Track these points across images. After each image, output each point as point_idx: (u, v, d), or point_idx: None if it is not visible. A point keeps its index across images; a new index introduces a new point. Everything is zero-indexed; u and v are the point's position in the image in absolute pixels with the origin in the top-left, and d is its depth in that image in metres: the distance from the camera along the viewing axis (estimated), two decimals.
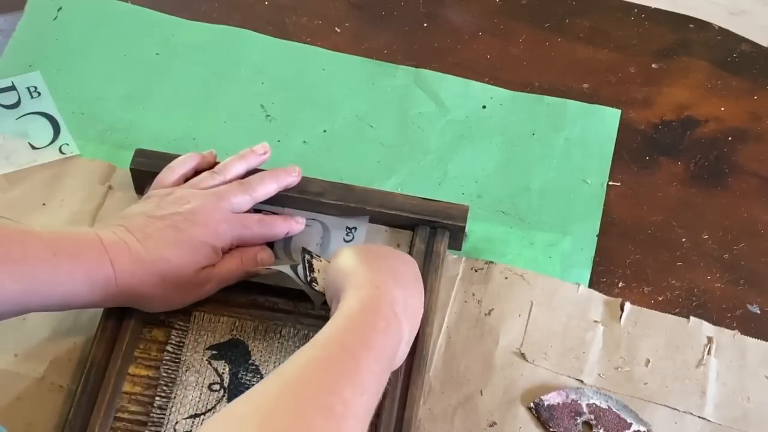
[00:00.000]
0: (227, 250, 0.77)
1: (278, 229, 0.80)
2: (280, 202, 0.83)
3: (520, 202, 0.88)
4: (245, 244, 0.78)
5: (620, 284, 0.84)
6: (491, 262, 0.84)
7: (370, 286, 0.68)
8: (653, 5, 1.00)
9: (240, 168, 0.81)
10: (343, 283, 0.70)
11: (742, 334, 0.81)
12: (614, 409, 0.77)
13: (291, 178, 0.82)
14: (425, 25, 0.98)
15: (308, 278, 0.76)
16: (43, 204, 0.85)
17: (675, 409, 0.78)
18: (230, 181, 0.80)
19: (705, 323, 0.82)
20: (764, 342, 0.81)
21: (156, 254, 0.72)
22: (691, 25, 0.99)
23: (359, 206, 0.82)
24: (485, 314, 0.81)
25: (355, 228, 0.83)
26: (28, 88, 0.91)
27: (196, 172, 0.81)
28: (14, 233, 0.71)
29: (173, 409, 0.75)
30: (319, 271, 0.76)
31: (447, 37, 0.98)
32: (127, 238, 0.73)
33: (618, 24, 0.99)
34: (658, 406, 0.78)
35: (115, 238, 0.72)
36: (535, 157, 0.91)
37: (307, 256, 0.77)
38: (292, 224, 0.80)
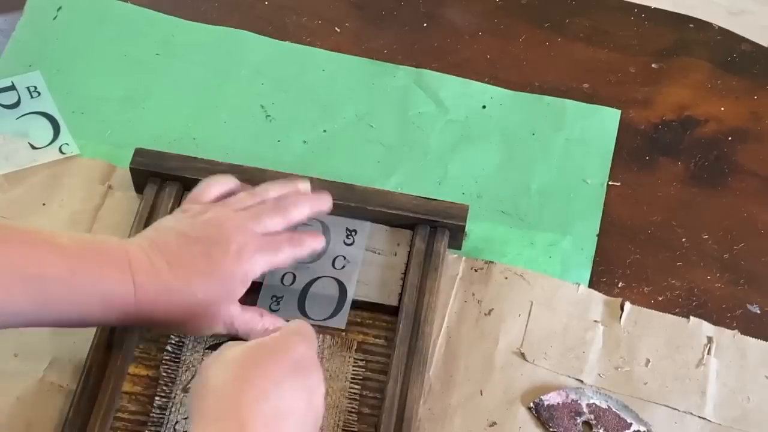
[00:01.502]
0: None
1: (308, 247, 0.76)
2: None
3: (520, 202, 0.88)
4: (276, 267, 0.75)
5: (620, 284, 0.84)
6: (491, 262, 0.84)
7: (233, 420, 0.59)
8: (653, 5, 1.00)
9: (278, 193, 0.77)
10: (202, 401, 0.61)
11: (742, 334, 0.81)
12: (614, 409, 0.77)
13: (325, 207, 0.78)
14: (425, 25, 0.99)
15: None
16: (43, 204, 0.85)
17: (675, 409, 0.78)
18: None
19: (705, 323, 0.82)
20: (764, 342, 0.81)
21: (184, 285, 0.69)
22: (691, 25, 0.99)
23: (359, 206, 0.82)
24: (485, 314, 0.81)
25: (355, 231, 0.83)
26: (27, 88, 0.91)
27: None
28: (34, 244, 0.67)
29: (173, 409, 0.75)
30: None
31: (447, 37, 0.98)
32: (157, 260, 0.69)
33: (618, 24, 0.99)
34: (658, 406, 0.78)
35: (143, 258, 0.69)
36: (535, 157, 0.91)
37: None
38: (317, 244, 0.77)
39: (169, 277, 0.69)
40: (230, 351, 0.64)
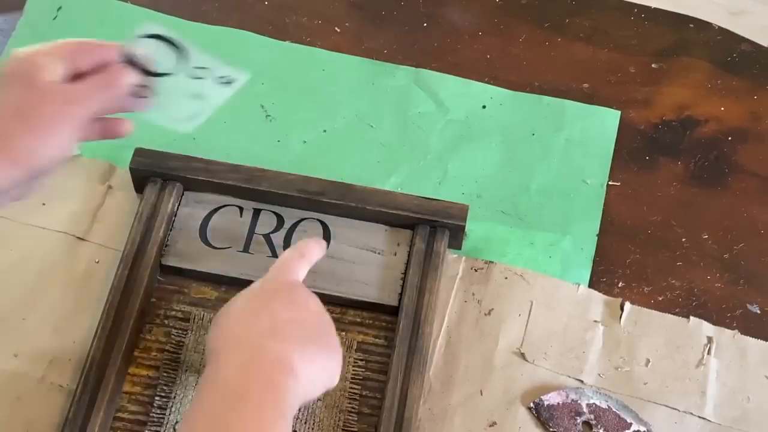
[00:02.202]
0: None
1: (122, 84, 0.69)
2: (281, 201, 0.83)
3: (520, 202, 0.88)
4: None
5: (620, 284, 0.84)
6: (491, 262, 0.84)
7: (247, 346, 0.64)
8: (653, 5, 1.00)
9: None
10: (212, 346, 0.66)
11: (742, 334, 0.81)
12: (614, 409, 0.77)
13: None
14: (425, 25, 0.99)
15: None
16: (43, 204, 0.85)
17: (675, 409, 0.78)
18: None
19: (705, 323, 0.82)
20: (764, 342, 0.81)
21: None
22: (691, 25, 0.99)
23: (359, 205, 0.82)
24: (485, 314, 0.81)
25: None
26: None
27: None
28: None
29: (173, 409, 0.75)
30: None
31: (447, 37, 0.98)
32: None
33: (618, 24, 0.99)
34: (658, 406, 0.78)
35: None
36: (535, 157, 0.91)
37: None
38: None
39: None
40: (223, 307, 0.69)
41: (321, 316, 0.70)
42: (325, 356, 0.67)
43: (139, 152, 0.84)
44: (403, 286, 0.80)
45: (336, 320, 0.73)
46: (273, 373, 0.62)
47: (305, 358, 0.65)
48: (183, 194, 0.84)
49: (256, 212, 0.83)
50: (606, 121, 0.93)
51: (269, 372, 0.62)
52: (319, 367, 0.66)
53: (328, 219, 0.83)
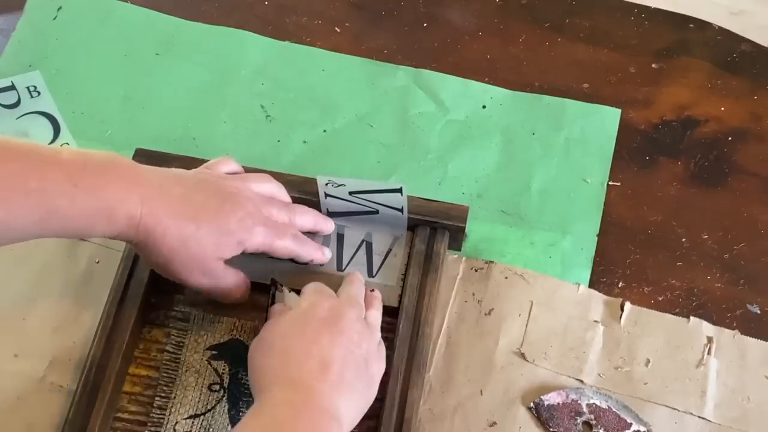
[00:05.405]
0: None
1: (307, 254, 0.78)
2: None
3: (520, 202, 0.88)
4: (272, 254, 0.76)
5: (620, 284, 0.84)
6: (491, 262, 0.84)
7: (301, 388, 0.67)
8: (653, 5, 1.00)
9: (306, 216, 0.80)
10: (265, 377, 0.68)
11: (742, 334, 0.81)
12: (614, 409, 0.77)
13: (326, 228, 0.81)
14: (425, 25, 0.98)
15: (267, 310, 0.76)
16: None
17: (675, 409, 0.78)
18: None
19: (705, 323, 0.82)
20: (764, 342, 0.81)
21: (188, 217, 0.70)
22: (691, 25, 0.99)
23: None
24: (485, 314, 0.81)
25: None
26: (27, 88, 0.91)
27: None
28: (33, 159, 0.66)
29: (173, 409, 0.75)
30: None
31: (447, 37, 0.98)
32: (170, 187, 0.70)
33: (618, 24, 0.99)
34: (658, 406, 0.78)
35: (154, 180, 0.70)
36: (535, 156, 0.91)
37: (273, 289, 0.76)
38: (319, 255, 0.79)
39: (177, 205, 0.70)
40: (265, 330, 0.71)
41: (367, 346, 0.72)
42: (365, 401, 0.71)
43: (139, 152, 0.84)
44: (403, 287, 0.80)
45: None
46: (322, 421, 0.65)
47: (350, 405, 0.68)
48: None
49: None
50: (606, 119, 0.93)
51: (318, 419, 0.65)
52: (360, 410, 0.70)
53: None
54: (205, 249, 0.71)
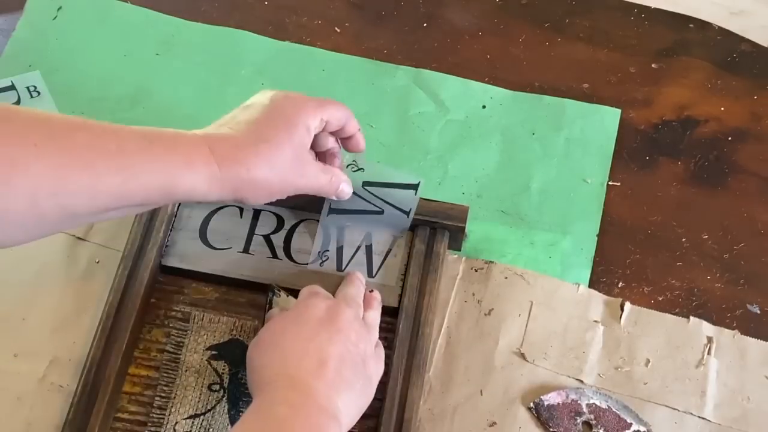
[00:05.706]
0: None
1: (338, 176, 0.77)
2: (281, 202, 0.83)
3: (520, 202, 0.88)
4: (330, 125, 0.76)
5: (620, 284, 0.84)
6: (491, 262, 0.84)
7: (299, 386, 0.67)
8: (653, 5, 1.00)
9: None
10: (263, 376, 0.68)
11: (742, 334, 0.81)
12: (614, 409, 0.77)
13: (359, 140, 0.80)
14: (425, 25, 0.99)
15: (265, 314, 0.76)
16: None
17: (675, 409, 0.78)
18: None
19: (705, 323, 0.82)
20: (764, 342, 0.81)
21: (254, 136, 0.70)
22: (691, 25, 0.99)
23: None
24: (485, 314, 0.81)
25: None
26: (27, 88, 0.91)
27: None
28: (108, 127, 0.66)
29: (173, 410, 0.75)
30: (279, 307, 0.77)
31: (447, 37, 0.98)
32: (219, 129, 0.70)
33: (618, 24, 0.99)
34: (658, 406, 0.78)
35: (206, 130, 0.70)
36: (535, 156, 0.91)
37: (270, 294, 0.77)
38: (346, 189, 0.77)
39: (235, 134, 0.70)
40: (263, 330, 0.71)
41: (364, 345, 0.72)
42: (363, 400, 0.71)
43: None
44: (403, 287, 0.80)
45: None
46: (320, 419, 0.66)
47: (349, 404, 0.68)
48: None
49: (256, 213, 0.83)
50: (606, 119, 0.93)
51: (316, 417, 0.65)
52: (358, 408, 0.70)
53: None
54: (286, 151, 0.71)
